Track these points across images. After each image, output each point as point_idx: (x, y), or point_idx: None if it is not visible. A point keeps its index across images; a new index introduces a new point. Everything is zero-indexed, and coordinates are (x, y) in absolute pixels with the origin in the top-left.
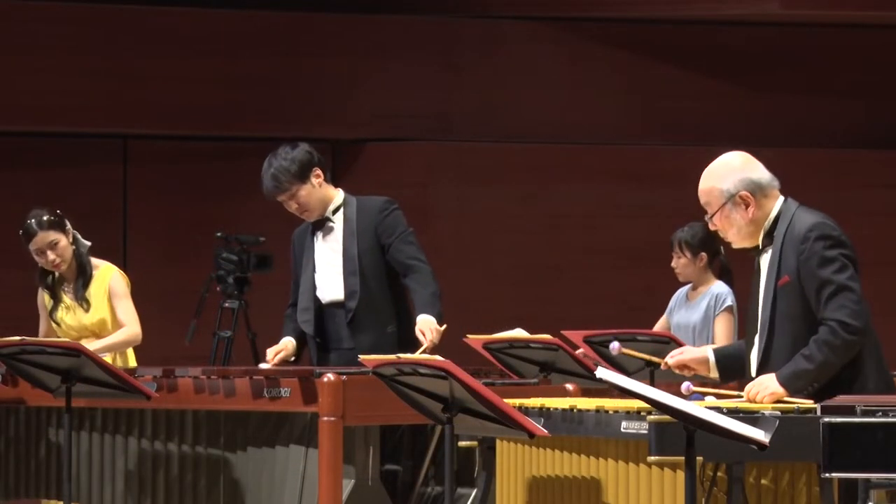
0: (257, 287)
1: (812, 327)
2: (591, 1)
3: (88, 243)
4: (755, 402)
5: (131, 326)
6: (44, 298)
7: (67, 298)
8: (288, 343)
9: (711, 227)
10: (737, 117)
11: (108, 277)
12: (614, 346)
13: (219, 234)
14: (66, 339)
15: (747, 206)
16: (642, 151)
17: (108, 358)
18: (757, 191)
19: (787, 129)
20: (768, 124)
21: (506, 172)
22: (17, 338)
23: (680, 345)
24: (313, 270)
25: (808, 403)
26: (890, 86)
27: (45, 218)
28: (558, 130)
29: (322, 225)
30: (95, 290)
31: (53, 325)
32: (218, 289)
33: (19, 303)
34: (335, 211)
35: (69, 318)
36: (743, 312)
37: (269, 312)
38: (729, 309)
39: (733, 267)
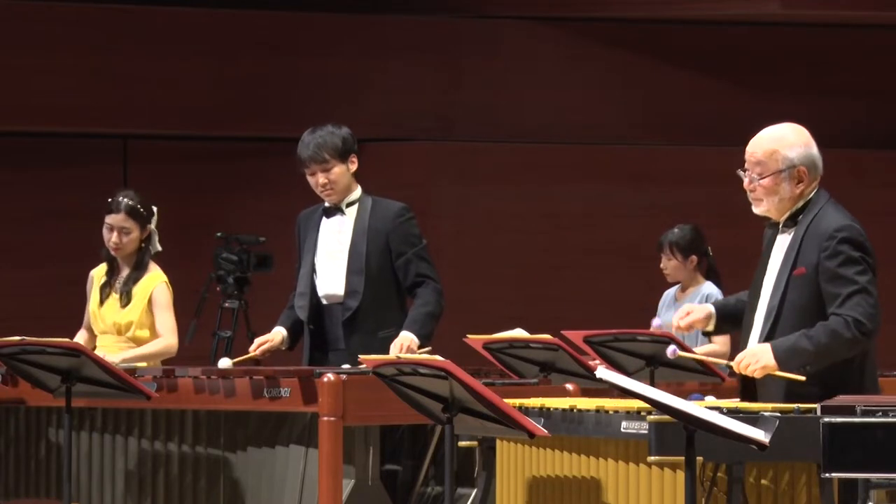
0: (257, 287)
1: (819, 322)
2: (591, 1)
3: (159, 248)
4: (745, 373)
5: (168, 337)
6: (95, 276)
7: (116, 284)
8: (276, 334)
9: (747, 187)
10: (737, 117)
11: (153, 284)
12: (672, 349)
13: (219, 234)
14: (66, 340)
15: (800, 181)
16: (642, 151)
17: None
18: (813, 169)
19: None
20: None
21: (506, 172)
22: (17, 338)
23: (679, 344)
24: (314, 254)
25: (799, 378)
26: (890, 86)
27: (133, 204)
28: (558, 130)
29: (332, 214)
30: (138, 291)
31: (95, 302)
32: (218, 289)
33: (19, 302)
34: (349, 205)
35: (109, 304)
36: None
37: (269, 312)
38: None
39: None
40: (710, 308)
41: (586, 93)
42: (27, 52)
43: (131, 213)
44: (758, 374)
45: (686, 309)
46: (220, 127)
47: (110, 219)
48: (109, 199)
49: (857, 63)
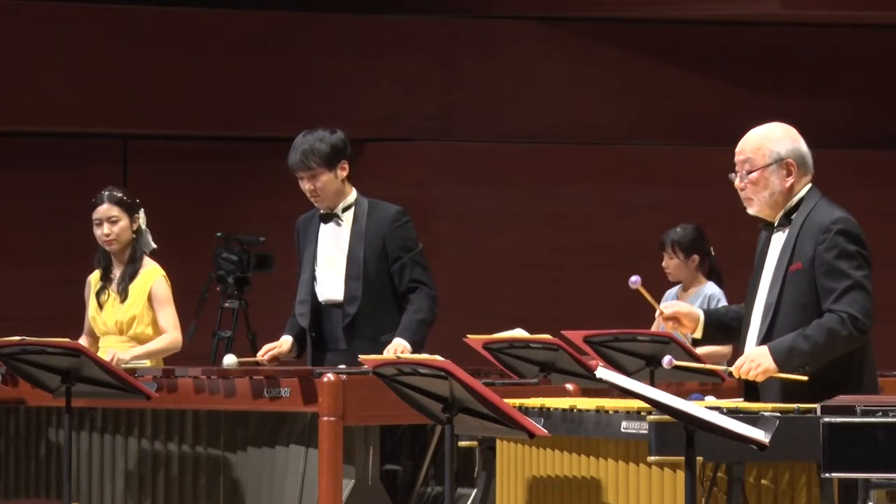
0: (257, 287)
1: (818, 317)
2: (591, 1)
3: (153, 245)
4: (746, 378)
5: (171, 333)
6: (92, 281)
7: (111, 285)
8: (284, 342)
9: (738, 186)
10: (736, 117)
11: (152, 279)
12: (668, 359)
13: (219, 234)
14: (66, 340)
15: (788, 174)
16: (642, 151)
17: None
18: (802, 164)
19: None
20: None
21: (506, 172)
22: (17, 338)
23: (679, 344)
24: (314, 262)
25: (801, 378)
26: (890, 86)
27: (117, 193)
28: (558, 130)
29: (329, 219)
30: (136, 287)
31: (94, 307)
32: (218, 289)
33: (19, 302)
34: (346, 209)
35: (108, 305)
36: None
37: (269, 312)
38: None
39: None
40: (699, 311)
41: (586, 93)
42: (27, 52)
43: (116, 202)
44: (759, 379)
45: (675, 302)
46: (220, 127)
47: (97, 213)
48: (94, 199)
49: (857, 63)
